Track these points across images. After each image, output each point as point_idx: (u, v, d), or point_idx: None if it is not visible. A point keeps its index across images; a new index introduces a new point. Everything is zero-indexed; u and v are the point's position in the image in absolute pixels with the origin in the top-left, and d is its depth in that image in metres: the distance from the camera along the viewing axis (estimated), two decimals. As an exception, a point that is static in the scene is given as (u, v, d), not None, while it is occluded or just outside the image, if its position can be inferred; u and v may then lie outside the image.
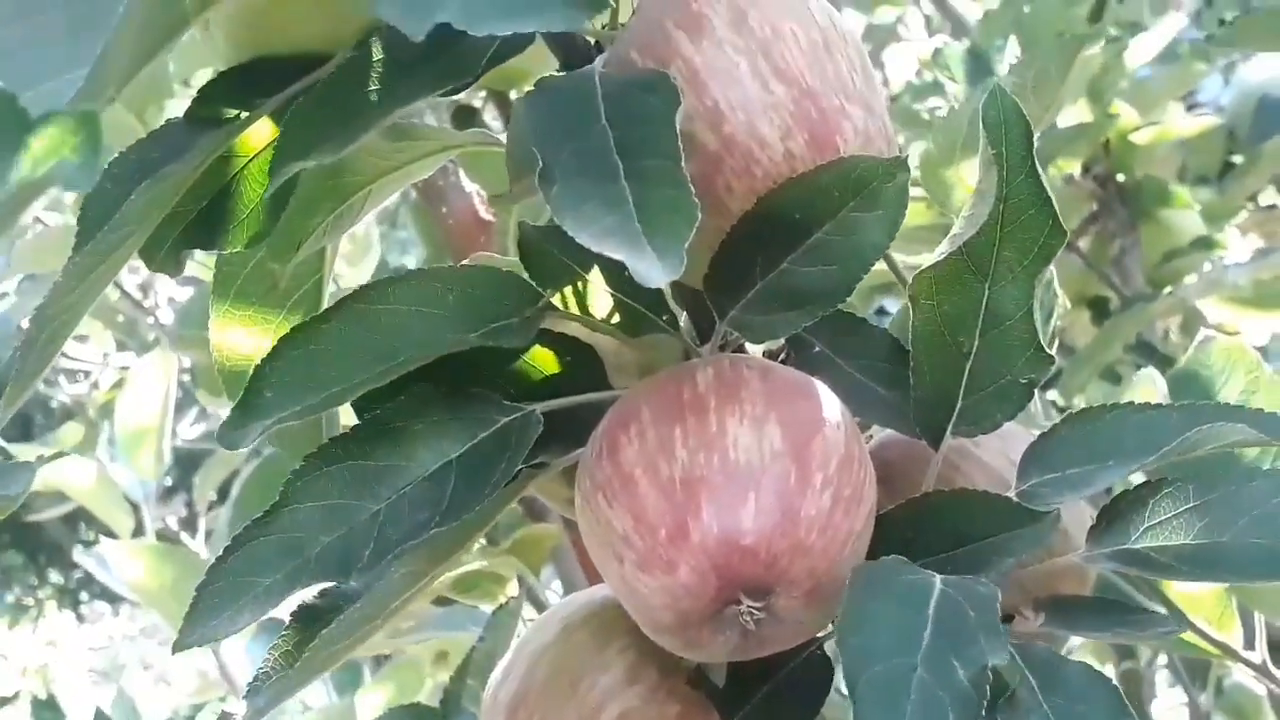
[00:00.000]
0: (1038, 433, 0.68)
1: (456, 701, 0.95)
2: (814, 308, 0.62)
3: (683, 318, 0.70)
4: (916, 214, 1.29)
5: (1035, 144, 0.63)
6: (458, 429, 0.62)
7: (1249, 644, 0.99)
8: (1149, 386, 1.00)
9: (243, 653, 1.49)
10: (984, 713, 0.53)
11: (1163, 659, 1.65)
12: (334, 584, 0.60)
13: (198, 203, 0.69)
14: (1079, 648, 1.53)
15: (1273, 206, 2.02)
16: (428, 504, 0.60)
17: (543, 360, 0.67)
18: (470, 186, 1.15)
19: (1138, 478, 0.69)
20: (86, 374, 2.24)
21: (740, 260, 0.62)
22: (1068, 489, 0.65)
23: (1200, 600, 0.96)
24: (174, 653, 0.61)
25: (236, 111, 0.67)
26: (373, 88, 0.61)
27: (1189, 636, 0.99)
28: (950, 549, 0.64)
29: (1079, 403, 1.54)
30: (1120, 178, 1.61)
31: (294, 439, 0.72)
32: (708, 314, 0.65)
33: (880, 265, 0.64)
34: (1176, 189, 1.63)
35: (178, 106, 1.17)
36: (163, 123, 0.68)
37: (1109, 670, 1.48)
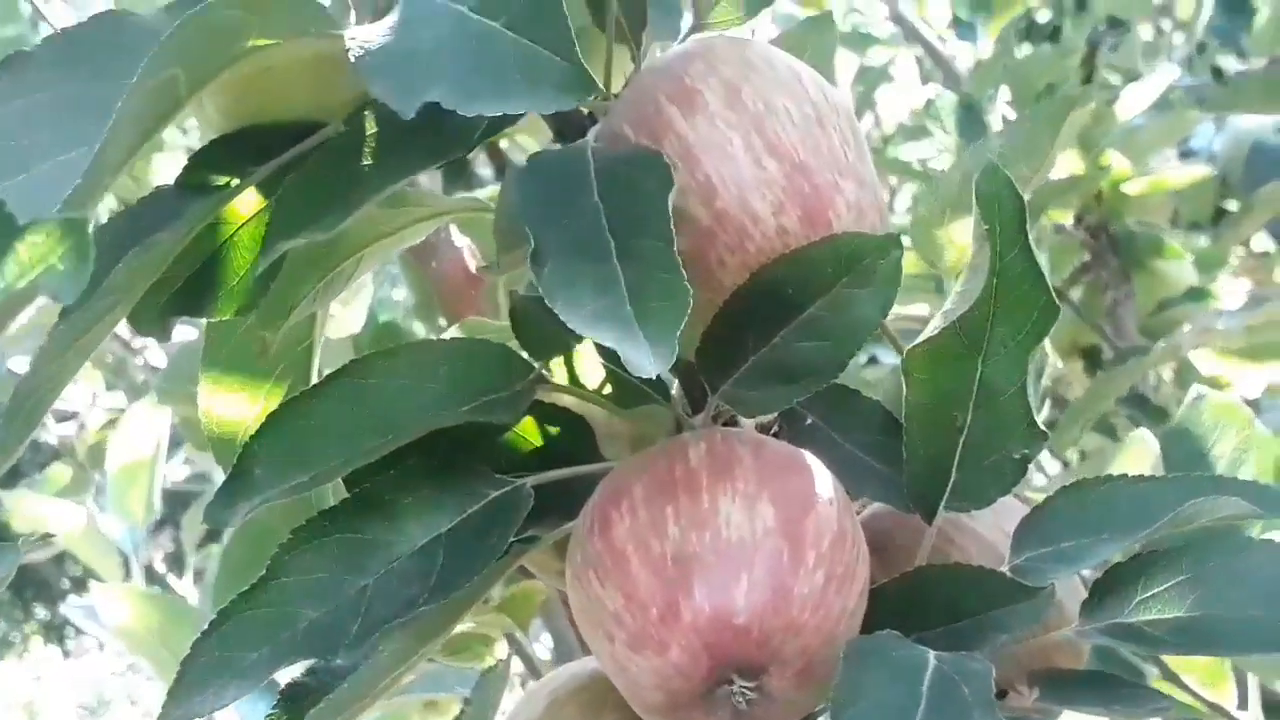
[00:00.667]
0: (1031, 505, 0.68)
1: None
2: (807, 383, 0.62)
3: (674, 387, 0.70)
4: (907, 263, 1.29)
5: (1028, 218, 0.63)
6: (447, 503, 0.61)
7: (1242, 704, 0.98)
8: (1141, 448, 0.99)
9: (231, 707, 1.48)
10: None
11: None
12: (322, 661, 0.59)
13: (186, 269, 0.69)
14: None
15: (1266, 253, 2.02)
16: (416, 579, 0.60)
17: (533, 431, 0.67)
18: (461, 241, 1.15)
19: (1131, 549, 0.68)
20: (75, 414, 2.24)
21: (733, 335, 0.62)
22: (1062, 564, 0.65)
23: (1194, 661, 0.95)
24: (157, 729, 0.60)
25: (227, 179, 0.67)
26: (365, 162, 0.61)
27: (1183, 696, 0.98)
28: (944, 624, 0.63)
29: (1072, 455, 1.53)
30: (1112, 228, 1.61)
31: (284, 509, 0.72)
32: (700, 385, 0.65)
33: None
34: (1169, 240, 1.63)
35: (167, 160, 1.17)
36: (153, 188, 0.68)
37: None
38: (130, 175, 1.16)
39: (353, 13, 0.61)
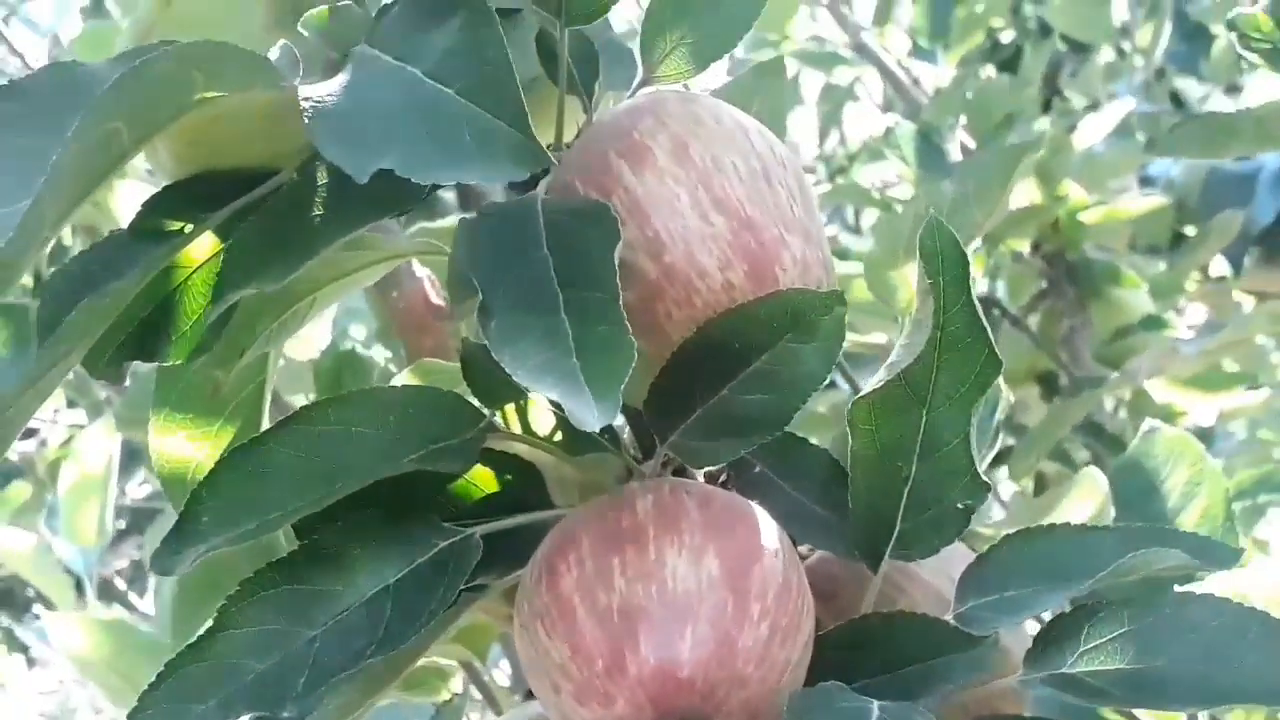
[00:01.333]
0: (980, 548, 0.69)
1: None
2: (753, 435, 0.62)
3: (626, 433, 0.70)
4: (862, 292, 1.30)
5: (974, 249, 0.64)
6: (395, 554, 0.62)
7: (1190, 737, 0.99)
8: (1091, 484, 1.00)
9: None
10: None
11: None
12: (269, 714, 0.59)
13: (140, 314, 0.69)
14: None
15: (1222, 279, 2.04)
16: (364, 631, 0.60)
17: (483, 479, 0.67)
18: (421, 272, 1.15)
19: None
20: (36, 431, 2.23)
21: (680, 387, 0.63)
22: (1005, 612, 0.66)
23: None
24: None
25: (180, 224, 0.67)
26: (316, 212, 0.61)
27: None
28: (888, 671, 0.64)
29: (1028, 485, 1.55)
30: (1069, 256, 1.63)
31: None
32: (650, 434, 0.65)
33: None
34: (1125, 269, 1.64)
35: (130, 187, 1.16)
36: (108, 232, 0.68)
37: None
38: (92, 202, 1.15)
39: (301, 66, 0.62)
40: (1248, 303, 1.95)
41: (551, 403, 0.67)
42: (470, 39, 0.58)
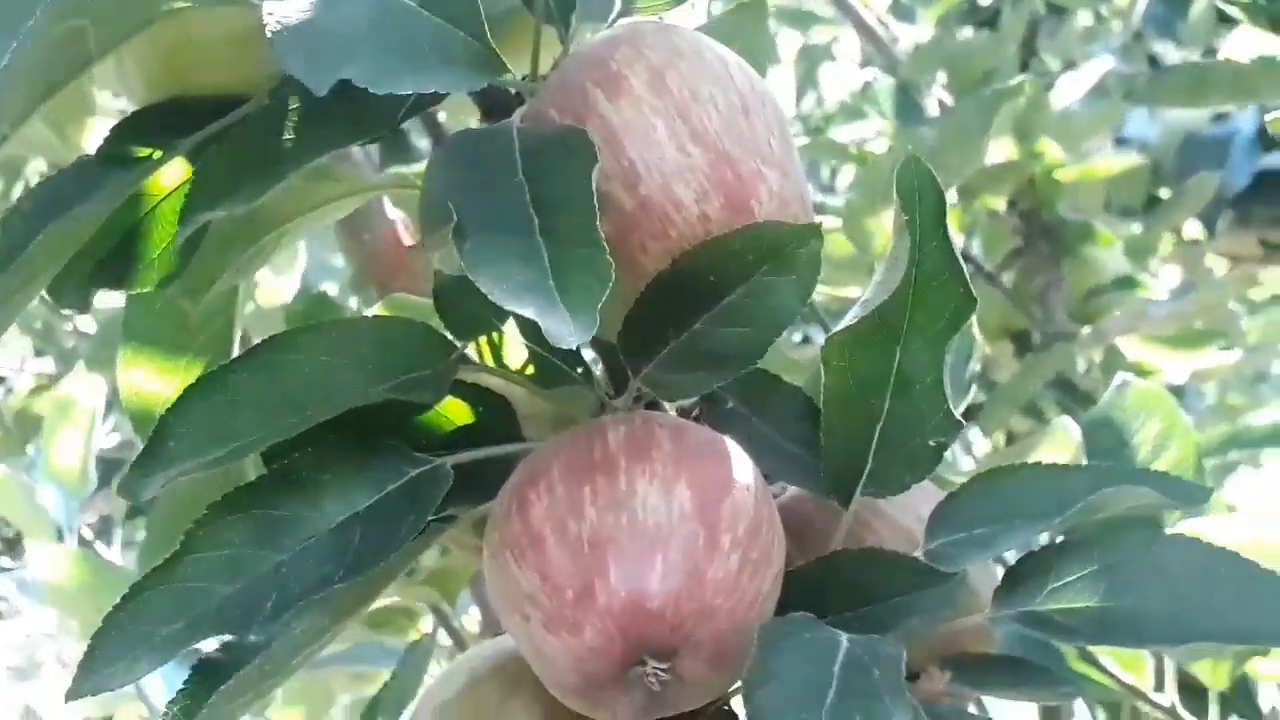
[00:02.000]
0: (946, 491, 0.69)
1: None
2: (727, 368, 0.62)
3: (598, 368, 0.70)
4: (839, 246, 1.30)
5: (950, 204, 0.63)
6: (366, 481, 0.61)
7: (1159, 686, 1.00)
8: (1063, 435, 1.01)
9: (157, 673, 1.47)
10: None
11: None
12: (236, 636, 0.59)
13: (108, 241, 0.68)
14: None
15: (1196, 241, 2.05)
16: (332, 557, 0.59)
17: (455, 411, 0.67)
18: (394, 213, 1.14)
19: (1045, 538, 0.69)
20: (3, 379, 2.21)
21: (654, 319, 0.62)
22: (974, 549, 0.66)
23: (1111, 644, 0.96)
24: (66, 701, 0.60)
25: (149, 151, 0.66)
26: (287, 136, 0.61)
27: (1100, 677, 1.00)
28: (857, 607, 0.64)
29: (1000, 438, 1.55)
30: (1044, 214, 1.63)
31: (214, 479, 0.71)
32: (622, 368, 0.65)
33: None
34: (1100, 228, 1.65)
35: (101, 124, 1.15)
36: (75, 159, 0.67)
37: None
38: (61, 136, 1.14)
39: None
40: (1220, 266, 1.95)
41: (525, 335, 0.67)
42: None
